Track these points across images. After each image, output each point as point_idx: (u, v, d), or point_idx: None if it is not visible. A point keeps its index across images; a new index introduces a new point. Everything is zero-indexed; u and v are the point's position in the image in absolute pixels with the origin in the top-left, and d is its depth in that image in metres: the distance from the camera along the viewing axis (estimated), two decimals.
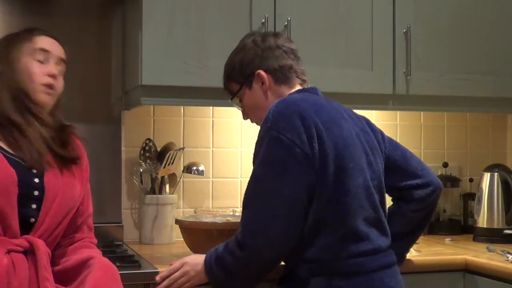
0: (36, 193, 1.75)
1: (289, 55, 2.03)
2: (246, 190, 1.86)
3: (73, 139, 1.90)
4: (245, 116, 2.11)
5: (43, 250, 1.70)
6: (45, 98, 1.85)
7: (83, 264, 1.77)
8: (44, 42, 1.89)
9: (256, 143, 1.87)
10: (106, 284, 1.73)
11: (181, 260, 1.97)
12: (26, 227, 1.73)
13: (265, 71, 1.99)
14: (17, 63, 1.83)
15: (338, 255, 1.80)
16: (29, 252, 1.70)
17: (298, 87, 2.01)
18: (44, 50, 1.87)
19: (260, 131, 1.86)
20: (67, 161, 1.83)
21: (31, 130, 1.78)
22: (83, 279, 1.74)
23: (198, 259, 1.93)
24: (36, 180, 1.76)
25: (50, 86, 1.85)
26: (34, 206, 1.74)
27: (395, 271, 1.90)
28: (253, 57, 2.01)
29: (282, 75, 2.00)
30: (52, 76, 1.86)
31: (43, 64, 1.86)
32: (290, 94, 1.97)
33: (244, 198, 1.86)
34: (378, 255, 1.85)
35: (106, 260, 1.81)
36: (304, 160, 1.77)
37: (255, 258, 1.82)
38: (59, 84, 1.90)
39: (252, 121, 2.11)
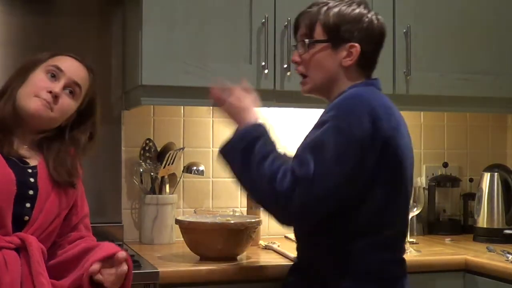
0: (31, 192, 1.76)
1: (381, 48, 1.95)
2: (312, 141, 1.74)
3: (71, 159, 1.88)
4: (300, 65, 1.93)
5: (35, 246, 1.71)
6: (35, 105, 1.78)
7: (88, 250, 1.79)
8: (62, 61, 1.85)
9: (317, 125, 1.78)
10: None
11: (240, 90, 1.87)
12: (20, 225, 1.74)
13: (360, 49, 1.86)
14: (28, 75, 1.82)
15: (370, 260, 1.80)
16: (22, 249, 1.71)
17: (362, 79, 1.91)
18: (57, 68, 1.83)
19: (326, 114, 1.78)
20: (57, 184, 1.82)
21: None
22: (87, 260, 1.75)
23: (250, 111, 1.84)
24: (32, 179, 1.78)
25: (46, 102, 1.79)
26: (28, 204, 1.75)
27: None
28: (361, 29, 1.86)
29: (366, 63, 1.90)
30: (52, 93, 1.79)
31: (51, 81, 1.82)
32: (357, 86, 1.87)
33: (309, 146, 1.74)
34: (403, 263, 1.89)
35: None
36: (363, 163, 1.73)
37: (292, 199, 1.70)
38: (63, 105, 1.82)
39: (301, 72, 1.93)
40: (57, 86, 1.81)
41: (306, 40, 1.89)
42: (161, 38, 2.38)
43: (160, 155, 2.71)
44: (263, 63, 2.45)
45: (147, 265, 2.16)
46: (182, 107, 2.80)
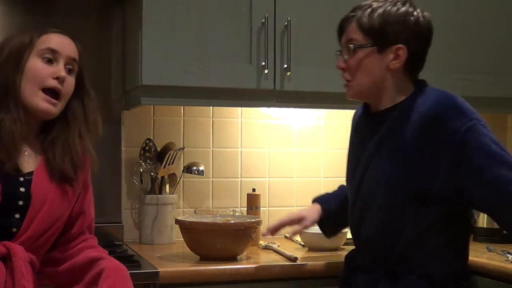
0: (20, 203, 1.70)
1: (429, 46, 1.88)
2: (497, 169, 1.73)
3: (79, 155, 1.81)
4: (345, 71, 1.88)
5: (20, 257, 1.65)
6: (46, 107, 1.74)
7: (92, 263, 1.75)
8: (53, 41, 1.77)
9: (465, 136, 1.74)
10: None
11: None
12: (7, 235, 1.69)
13: (408, 51, 1.81)
14: (24, 66, 1.74)
15: (466, 259, 1.93)
16: (8, 259, 1.65)
17: (412, 84, 1.88)
18: (52, 50, 1.76)
19: (459, 125, 1.74)
20: (61, 177, 1.76)
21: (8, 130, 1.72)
22: (93, 280, 1.72)
23: None
24: (22, 189, 1.71)
25: (54, 91, 1.74)
26: (17, 215, 1.70)
27: None
28: (407, 29, 1.80)
29: (413, 64, 1.84)
30: (59, 78, 1.75)
31: (51, 65, 1.76)
32: (433, 89, 1.86)
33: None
34: None
35: (116, 261, 1.78)
36: None
37: None
38: (68, 85, 1.78)
39: (347, 79, 1.88)
40: (60, 70, 1.76)
41: (351, 46, 1.83)
42: (161, 38, 2.38)
43: (160, 155, 2.71)
44: (263, 63, 2.45)
45: (147, 265, 2.16)
46: (182, 107, 2.79)
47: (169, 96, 2.43)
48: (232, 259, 2.28)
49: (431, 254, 1.83)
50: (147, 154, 2.72)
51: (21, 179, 1.72)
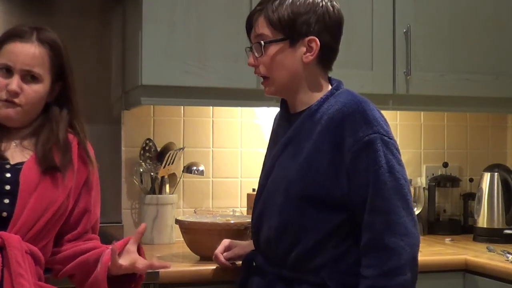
0: (7, 187, 1.72)
1: (341, 36, 1.85)
2: (383, 200, 1.68)
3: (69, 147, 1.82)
4: (258, 66, 1.83)
5: (15, 246, 1.66)
6: (4, 112, 1.76)
7: (91, 249, 1.80)
8: (6, 54, 1.77)
9: (362, 149, 1.69)
10: None
11: None
12: (1, 222, 1.69)
13: (320, 43, 1.78)
14: None
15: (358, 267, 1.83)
16: (4, 249, 1.66)
17: (326, 79, 1.85)
18: (5, 65, 1.76)
19: (360, 134, 1.69)
20: (48, 166, 1.77)
21: None
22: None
23: None
24: (8, 174, 1.73)
25: (9, 102, 1.75)
26: (6, 200, 1.71)
27: None
28: (317, 21, 1.77)
29: (326, 56, 1.81)
30: (9, 92, 1.74)
31: (7, 77, 1.75)
32: (347, 91, 1.81)
33: (383, 205, 1.68)
34: None
35: None
36: None
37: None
38: (28, 95, 1.76)
39: (262, 74, 1.84)
40: (13, 83, 1.75)
41: (262, 42, 1.79)
42: (161, 38, 2.38)
43: (160, 155, 2.71)
44: None
45: None
46: (182, 107, 2.79)
47: (169, 96, 2.43)
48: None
49: (328, 263, 1.75)
50: (147, 154, 2.72)
51: (7, 166, 1.74)
